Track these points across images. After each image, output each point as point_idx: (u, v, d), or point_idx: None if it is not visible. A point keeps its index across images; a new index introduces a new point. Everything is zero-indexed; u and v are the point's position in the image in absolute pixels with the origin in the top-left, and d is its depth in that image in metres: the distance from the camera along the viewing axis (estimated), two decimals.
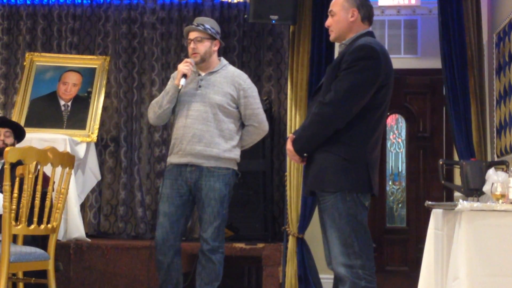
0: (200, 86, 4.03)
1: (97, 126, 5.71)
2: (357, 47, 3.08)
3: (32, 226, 3.54)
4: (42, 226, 3.61)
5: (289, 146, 3.21)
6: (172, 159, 4.02)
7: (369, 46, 3.07)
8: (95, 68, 5.96)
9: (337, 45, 4.33)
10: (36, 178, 3.55)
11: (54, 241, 3.71)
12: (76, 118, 5.75)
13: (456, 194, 5.21)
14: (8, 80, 6.45)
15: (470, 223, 2.97)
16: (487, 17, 5.44)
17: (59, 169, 3.65)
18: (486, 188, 3.38)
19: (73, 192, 5.24)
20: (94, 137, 5.65)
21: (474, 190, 3.63)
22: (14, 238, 3.71)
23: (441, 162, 3.97)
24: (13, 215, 3.41)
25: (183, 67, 3.97)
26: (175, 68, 4.05)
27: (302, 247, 5.28)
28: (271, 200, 5.88)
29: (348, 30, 3.21)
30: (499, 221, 2.97)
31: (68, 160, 3.71)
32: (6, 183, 3.38)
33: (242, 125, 4.12)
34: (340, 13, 3.22)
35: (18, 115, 5.74)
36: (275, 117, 6.11)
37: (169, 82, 4.11)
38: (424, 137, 6.23)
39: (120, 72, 6.33)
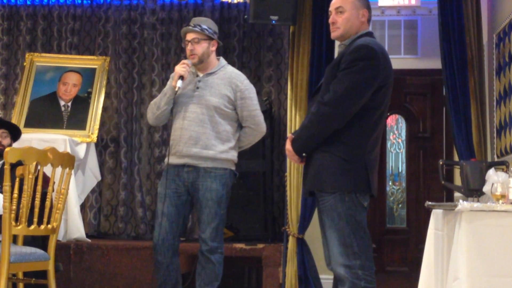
0: (197, 88, 4.03)
1: (97, 126, 5.71)
2: (356, 48, 3.08)
3: (32, 227, 3.54)
4: (42, 227, 3.61)
5: (288, 146, 3.21)
6: (170, 160, 4.02)
7: (368, 46, 3.07)
8: (95, 69, 5.97)
9: (337, 45, 4.33)
10: (36, 178, 3.55)
11: (54, 241, 3.70)
12: (76, 118, 5.76)
13: (456, 194, 5.21)
14: (8, 80, 6.46)
15: (470, 223, 2.97)
16: (487, 17, 5.44)
17: (59, 170, 3.65)
18: (486, 188, 3.38)
19: (73, 192, 5.24)
20: (94, 137, 5.66)
21: (474, 191, 3.62)
22: (14, 239, 3.71)
23: (441, 163, 3.96)
24: (13, 215, 3.41)
25: (180, 68, 3.96)
26: (175, 68, 4.04)
27: (302, 247, 5.28)
28: (271, 201, 5.88)
29: (356, 29, 3.20)
30: (499, 222, 2.97)
31: (68, 161, 3.71)
32: (6, 183, 3.38)
33: (240, 126, 4.12)
34: (352, 11, 3.19)
35: (18, 116, 5.74)
36: (275, 118, 6.11)
37: (168, 82, 4.12)
38: (424, 137, 6.22)
39: (120, 73, 6.33)
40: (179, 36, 6.23)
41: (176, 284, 3.99)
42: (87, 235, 5.53)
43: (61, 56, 6.20)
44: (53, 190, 3.67)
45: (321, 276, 5.31)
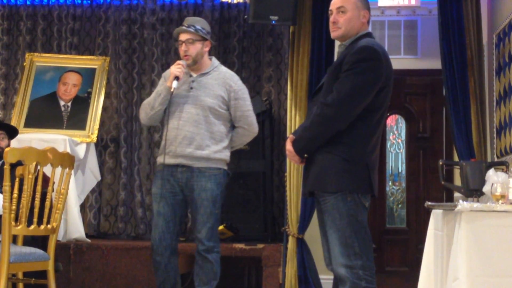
0: (191, 88, 4.02)
1: (97, 126, 5.71)
2: (359, 49, 3.06)
3: (32, 227, 3.54)
4: (42, 227, 3.61)
5: (288, 146, 3.20)
6: (163, 159, 4.01)
7: (371, 47, 3.07)
8: (95, 69, 5.97)
9: (337, 45, 4.32)
10: (36, 178, 3.55)
11: (54, 241, 3.70)
12: (76, 118, 5.75)
13: (456, 194, 5.21)
14: (8, 80, 6.46)
15: (470, 223, 2.97)
16: (487, 17, 5.44)
17: (59, 170, 3.65)
18: (486, 188, 3.38)
19: (73, 192, 5.24)
20: (94, 137, 5.66)
21: (474, 191, 3.62)
22: (14, 239, 3.71)
23: (441, 163, 3.96)
24: (13, 215, 3.41)
25: (175, 69, 3.94)
26: (170, 69, 4.03)
27: (302, 247, 5.28)
28: (271, 201, 5.88)
29: (356, 30, 3.19)
30: (499, 222, 2.97)
31: (68, 161, 3.71)
32: (6, 183, 3.38)
33: (233, 126, 4.12)
34: (353, 12, 3.18)
35: (18, 116, 5.74)
36: (275, 118, 6.11)
37: (160, 82, 4.10)
38: (424, 137, 6.22)
39: (120, 73, 6.33)
40: None
41: (175, 284, 3.99)
42: (87, 235, 5.53)
43: (61, 56, 6.20)
44: (53, 190, 3.67)
45: (321, 276, 5.31)
